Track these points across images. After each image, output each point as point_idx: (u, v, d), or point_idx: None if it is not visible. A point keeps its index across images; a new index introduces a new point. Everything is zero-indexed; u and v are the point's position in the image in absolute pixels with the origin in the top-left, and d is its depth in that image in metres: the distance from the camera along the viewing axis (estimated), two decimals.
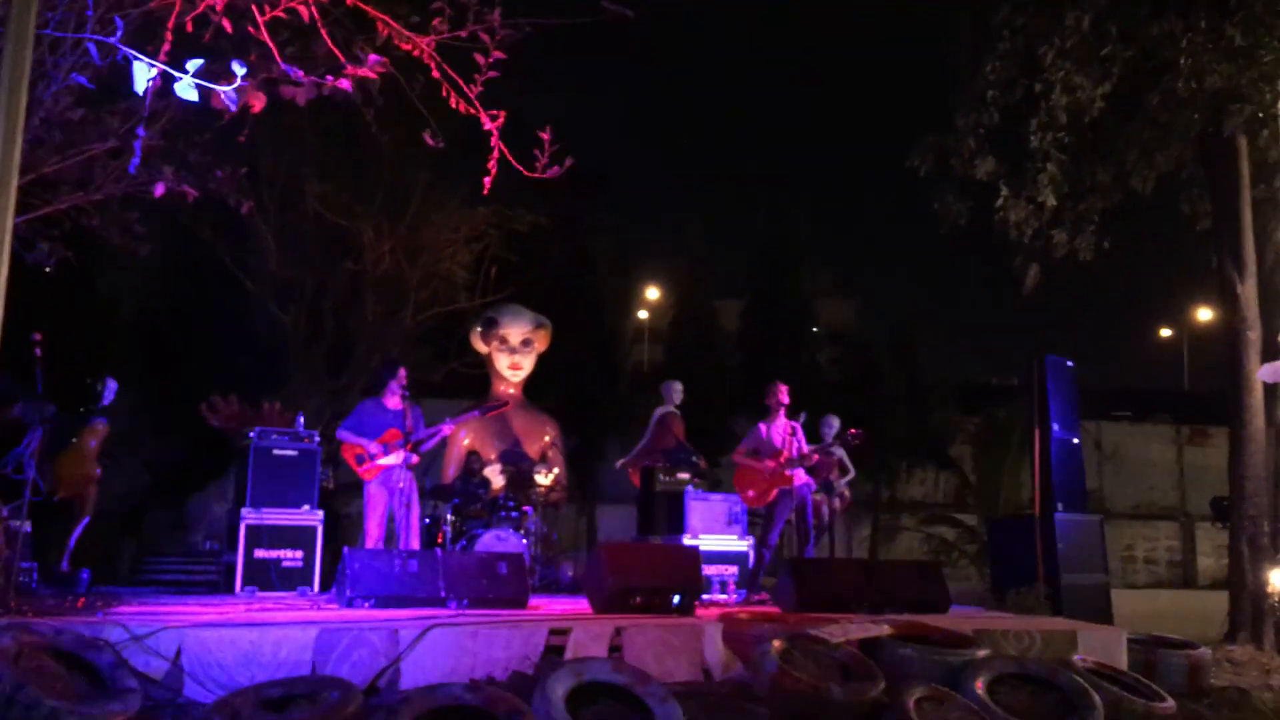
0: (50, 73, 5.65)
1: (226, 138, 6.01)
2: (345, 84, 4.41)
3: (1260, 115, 9.41)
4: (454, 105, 4.76)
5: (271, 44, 4.27)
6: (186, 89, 3.43)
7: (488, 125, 4.81)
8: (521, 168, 4.85)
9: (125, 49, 3.56)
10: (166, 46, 4.13)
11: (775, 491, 8.99)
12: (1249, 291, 9.90)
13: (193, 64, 3.44)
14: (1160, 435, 20.54)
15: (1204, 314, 27.49)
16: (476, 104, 4.74)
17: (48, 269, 7.29)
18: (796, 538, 9.38)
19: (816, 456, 9.37)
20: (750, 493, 9.15)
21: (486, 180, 4.91)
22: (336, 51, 4.55)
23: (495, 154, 4.85)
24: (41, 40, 5.19)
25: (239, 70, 3.68)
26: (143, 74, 3.49)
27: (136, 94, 3.62)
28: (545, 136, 4.78)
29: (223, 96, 3.57)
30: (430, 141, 4.97)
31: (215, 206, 10.78)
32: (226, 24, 4.42)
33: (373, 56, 4.50)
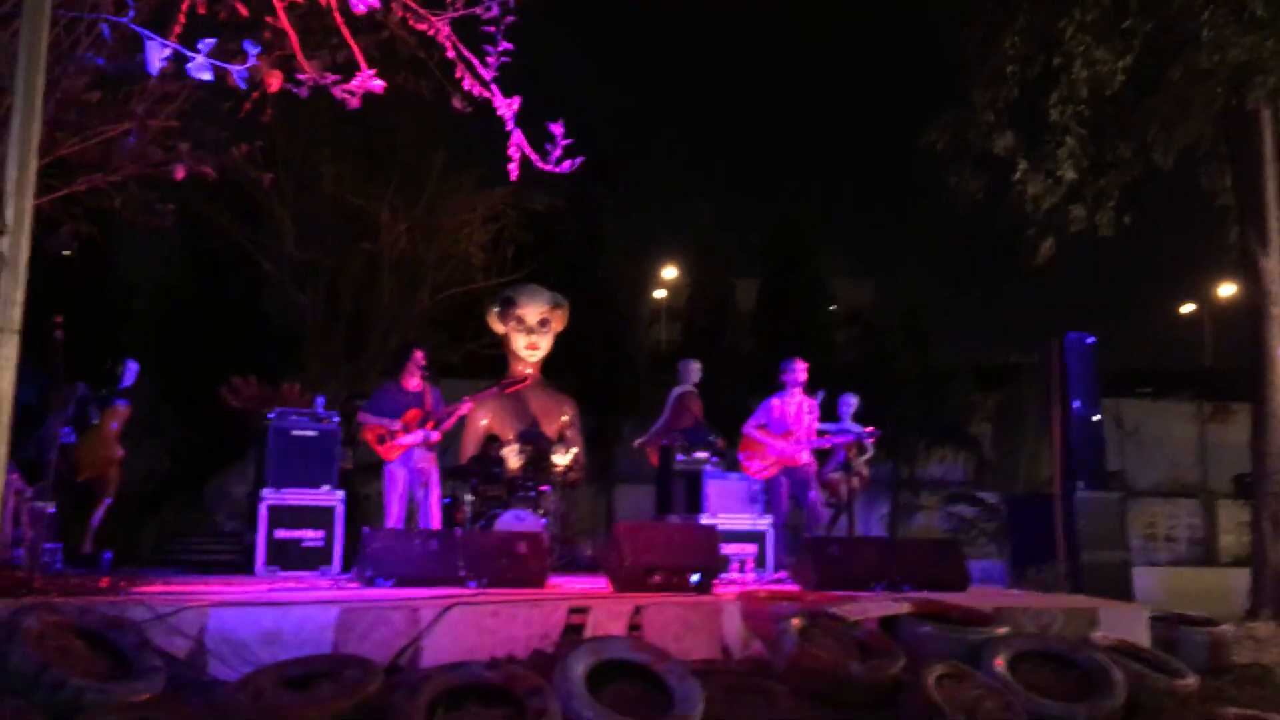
0: (66, 53, 5.65)
1: (243, 116, 6.00)
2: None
3: None
4: (468, 87, 4.74)
5: (290, 30, 4.26)
6: (200, 68, 3.42)
7: (502, 110, 4.79)
8: (537, 158, 4.83)
9: (138, 29, 3.55)
10: (178, 30, 4.12)
11: (778, 468, 8.97)
12: (1272, 266, 9.81)
13: (205, 44, 3.43)
14: (1182, 412, 20.36)
15: (1226, 290, 27.22)
16: (493, 86, 4.73)
17: (67, 252, 7.32)
18: (805, 518, 9.38)
19: (828, 444, 9.33)
20: (754, 464, 9.14)
21: (511, 166, 4.90)
22: (354, 46, 4.53)
23: (513, 139, 4.83)
24: (57, 21, 5.18)
25: (251, 50, 3.68)
26: (156, 54, 3.49)
27: (150, 74, 3.62)
28: (558, 130, 4.76)
29: (235, 76, 3.56)
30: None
31: (232, 190, 10.82)
32: (241, 8, 4.42)
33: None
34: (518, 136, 4.81)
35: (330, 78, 4.40)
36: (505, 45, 4.70)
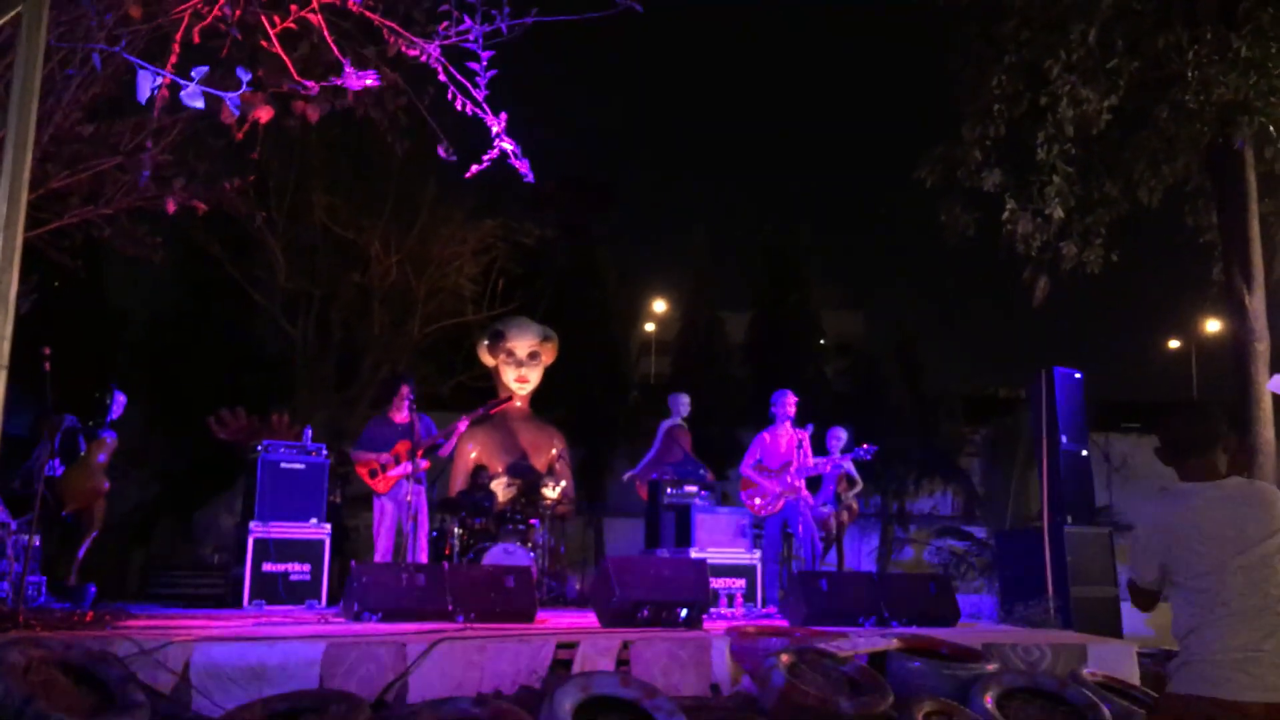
0: (59, 88, 5.67)
1: (235, 150, 6.02)
2: (355, 84, 4.41)
3: (1268, 127, 9.41)
4: (459, 107, 4.78)
5: (284, 55, 4.28)
6: (192, 96, 3.41)
7: (492, 125, 4.82)
8: (524, 168, 4.85)
9: (130, 57, 3.55)
10: (173, 59, 4.13)
11: (782, 502, 9.04)
12: (1257, 303, 9.89)
13: (198, 70, 3.41)
14: None
15: (1212, 325, 27.38)
16: (483, 105, 4.76)
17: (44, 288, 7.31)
18: (806, 552, 9.38)
19: (829, 467, 9.38)
20: (756, 500, 9.20)
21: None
22: (346, 64, 4.56)
23: (495, 148, 4.85)
24: (51, 54, 5.20)
25: (244, 76, 3.66)
26: (146, 83, 3.48)
27: (140, 104, 3.61)
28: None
29: (228, 102, 3.54)
30: (443, 154, 4.99)
31: (223, 220, 10.84)
32: (237, 34, 4.43)
33: (371, 73, 4.51)
34: (501, 145, 4.83)
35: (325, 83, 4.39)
36: (487, 55, 4.72)
